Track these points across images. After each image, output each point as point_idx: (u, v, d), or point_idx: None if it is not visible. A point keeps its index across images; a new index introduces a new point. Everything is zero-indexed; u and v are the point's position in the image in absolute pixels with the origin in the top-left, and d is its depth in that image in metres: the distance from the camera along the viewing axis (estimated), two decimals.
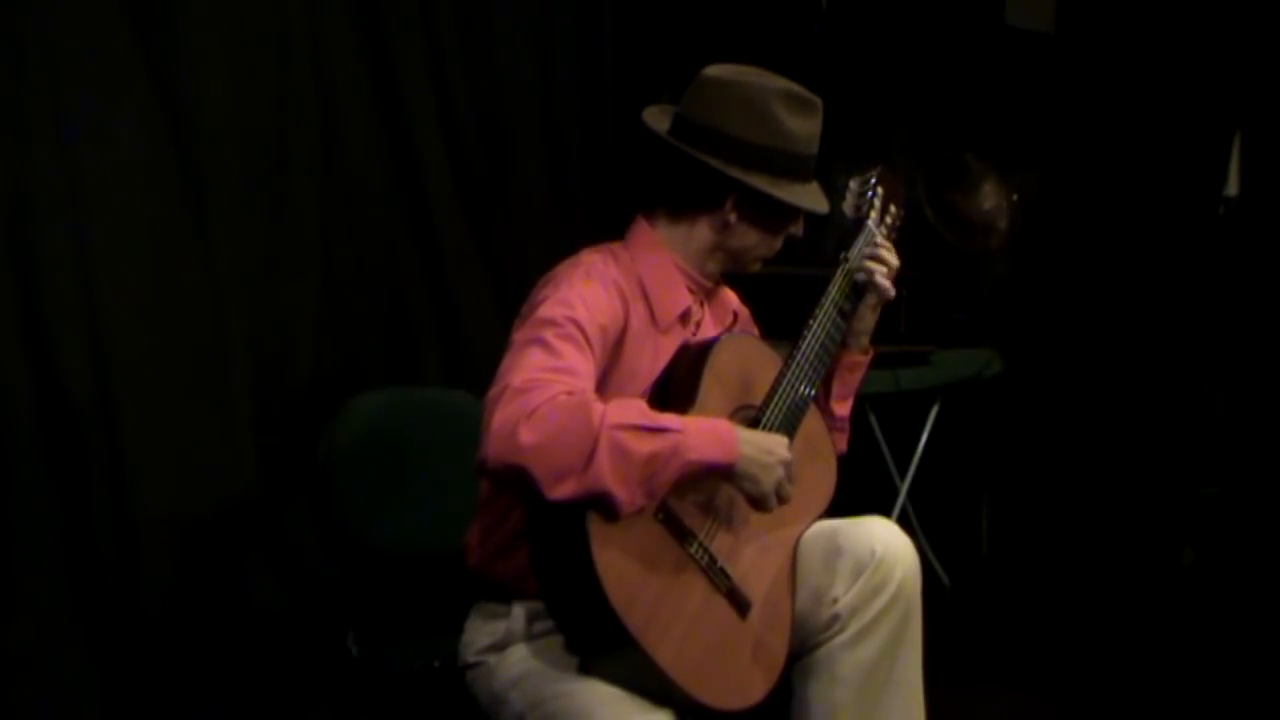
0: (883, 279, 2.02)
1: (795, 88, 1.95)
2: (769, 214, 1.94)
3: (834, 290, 1.99)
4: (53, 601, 2.50)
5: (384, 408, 2.47)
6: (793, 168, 1.93)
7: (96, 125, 2.56)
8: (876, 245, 2.04)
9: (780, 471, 1.78)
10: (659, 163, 1.97)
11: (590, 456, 1.62)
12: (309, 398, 2.85)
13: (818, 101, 1.96)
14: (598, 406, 1.65)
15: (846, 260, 2.02)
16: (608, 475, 1.63)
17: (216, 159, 2.73)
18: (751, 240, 1.96)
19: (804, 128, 1.93)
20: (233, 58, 2.76)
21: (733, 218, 1.93)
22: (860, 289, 2.03)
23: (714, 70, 1.96)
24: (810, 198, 1.95)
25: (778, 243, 1.99)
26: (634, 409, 1.69)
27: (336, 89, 2.97)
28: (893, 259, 2.04)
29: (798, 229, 2.00)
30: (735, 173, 1.89)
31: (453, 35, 3.18)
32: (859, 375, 2.11)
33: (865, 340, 2.08)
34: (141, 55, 2.62)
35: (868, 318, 2.06)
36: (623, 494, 1.64)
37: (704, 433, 1.72)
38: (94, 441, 2.55)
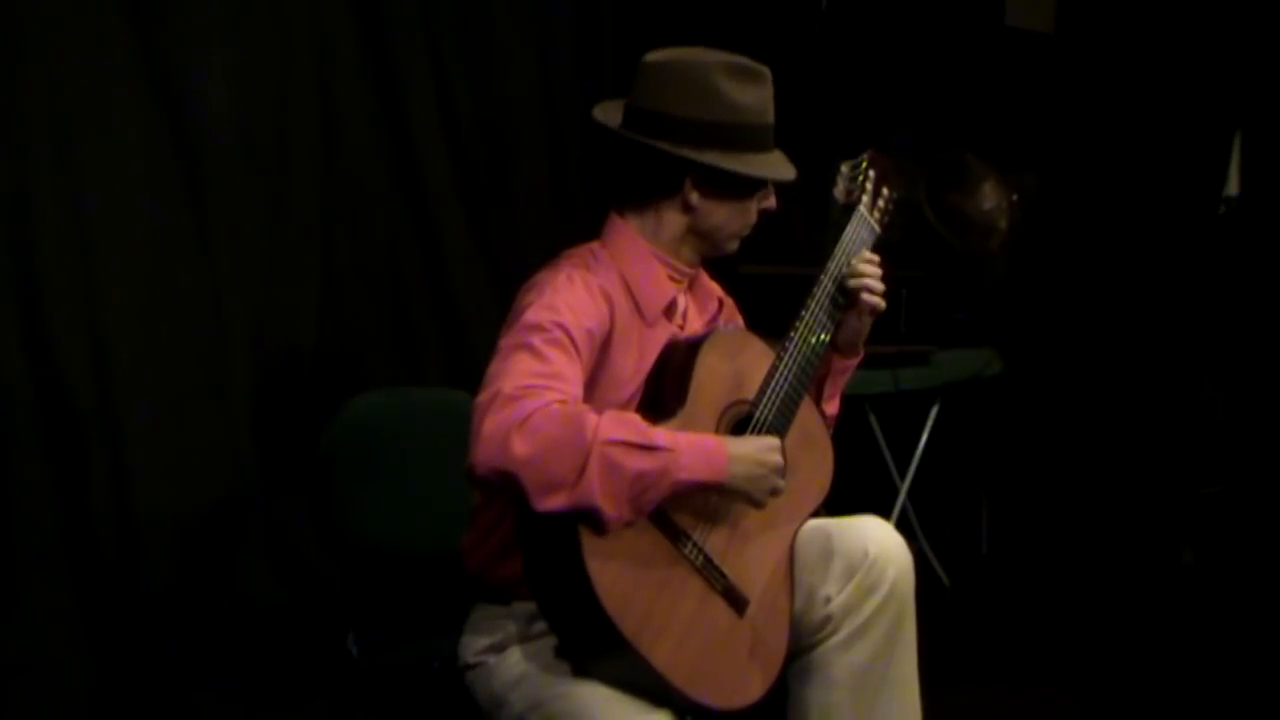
0: (870, 297, 1.97)
1: (738, 59, 1.91)
2: (730, 188, 1.90)
3: (826, 280, 1.96)
4: (53, 601, 2.50)
5: (384, 408, 2.47)
6: (746, 139, 1.89)
7: (96, 125, 2.56)
8: (861, 265, 1.98)
9: (772, 480, 1.77)
10: (616, 156, 1.94)
11: (582, 471, 1.61)
12: (309, 397, 2.85)
13: (764, 70, 1.92)
14: (591, 419, 1.64)
15: (836, 254, 1.98)
16: (597, 491, 1.62)
17: (216, 159, 2.73)
18: (720, 218, 1.93)
19: (752, 97, 1.90)
20: (233, 58, 2.76)
21: (694, 198, 1.90)
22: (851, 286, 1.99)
23: (653, 55, 1.93)
24: (770, 167, 1.91)
25: (750, 217, 1.96)
26: (628, 424, 1.67)
27: (336, 89, 2.97)
28: (876, 273, 1.99)
29: (769, 201, 1.96)
30: (686, 153, 1.85)
31: (453, 35, 3.19)
32: (848, 377, 2.09)
33: (858, 346, 2.05)
34: (141, 55, 2.62)
35: (859, 325, 2.02)
36: (611, 510, 1.63)
37: (695, 451, 1.70)
38: (94, 441, 2.55)
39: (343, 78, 2.98)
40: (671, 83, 1.89)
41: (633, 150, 1.90)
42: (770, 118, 1.93)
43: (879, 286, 1.98)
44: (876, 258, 2.01)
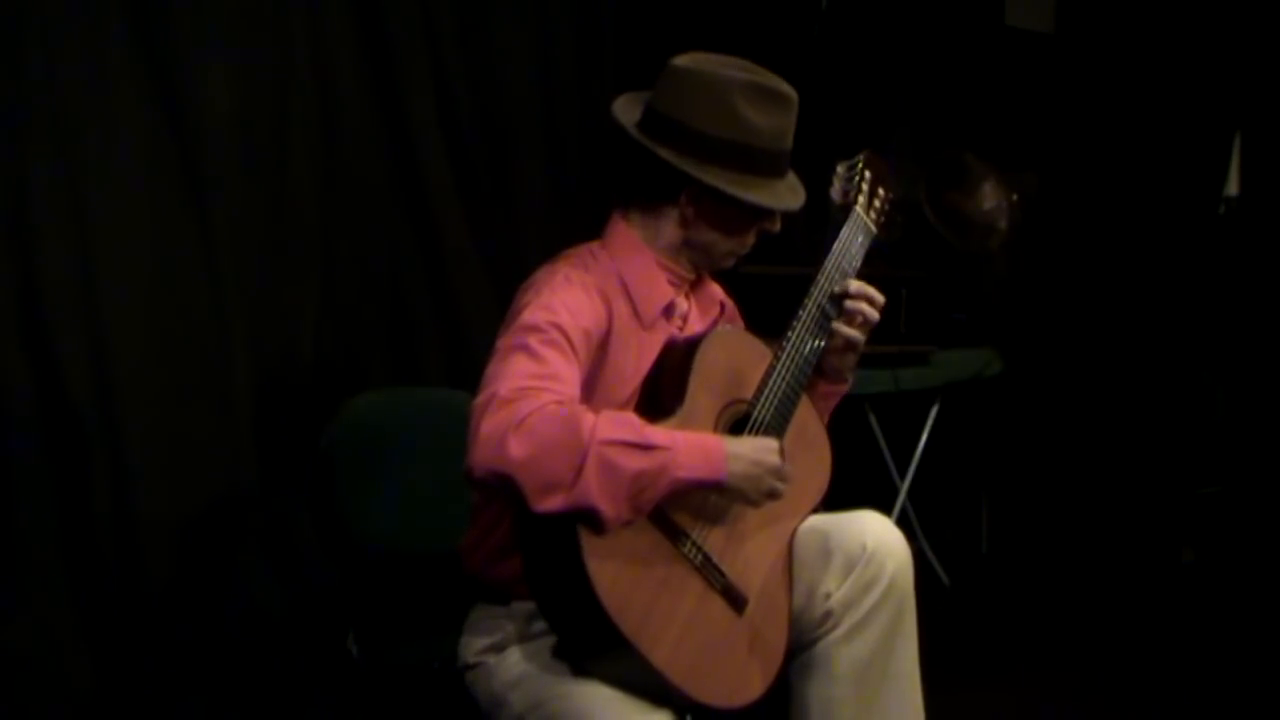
0: (851, 331, 1.95)
1: (765, 80, 1.88)
2: (727, 209, 1.88)
3: (823, 280, 1.94)
4: (53, 601, 2.50)
5: (384, 408, 2.47)
6: (756, 162, 1.86)
7: (96, 124, 2.56)
8: (866, 290, 1.96)
9: (769, 481, 1.77)
10: (625, 155, 1.92)
11: (579, 472, 1.61)
12: (309, 398, 2.85)
13: (790, 94, 1.90)
14: (588, 419, 1.64)
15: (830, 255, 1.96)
16: (595, 492, 1.61)
17: (216, 159, 2.73)
18: (713, 236, 1.91)
19: (769, 121, 1.87)
20: (233, 57, 2.76)
21: (690, 213, 1.89)
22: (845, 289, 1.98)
23: (681, 59, 1.91)
24: (776, 195, 1.89)
25: (748, 239, 1.94)
26: (625, 424, 1.67)
27: (336, 89, 2.97)
28: (875, 303, 1.96)
29: (773, 225, 1.94)
30: (688, 166, 1.84)
31: (453, 35, 3.18)
32: (833, 403, 2.06)
33: (845, 374, 2.03)
34: (141, 55, 2.62)
35: (846, 357, 2.00)
36: (609, 510, 1.63)
37: (693, 449, 1.70)
38: (94, 441, 2.55)
39: (343, 78, 2.98)
40: (689, 91, 1.87)
41: (639, 151, 1.88)
42: (786, 144, 1.90)
43: (873, 316, 1.95)
44: (880, 299, 1.98)
